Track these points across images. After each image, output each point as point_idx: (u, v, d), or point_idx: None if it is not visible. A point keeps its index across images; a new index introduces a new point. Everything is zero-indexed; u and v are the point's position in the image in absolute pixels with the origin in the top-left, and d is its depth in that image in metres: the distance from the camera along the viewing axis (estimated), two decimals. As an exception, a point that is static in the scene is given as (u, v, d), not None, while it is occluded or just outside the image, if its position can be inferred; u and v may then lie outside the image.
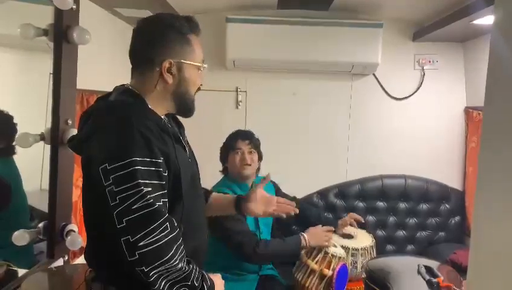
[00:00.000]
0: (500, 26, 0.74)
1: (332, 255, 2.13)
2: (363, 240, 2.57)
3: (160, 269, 1.04)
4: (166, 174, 1.10)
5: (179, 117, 1.36)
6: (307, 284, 2.10)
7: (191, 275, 1.11)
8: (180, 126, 1.36)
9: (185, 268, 1.09)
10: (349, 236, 2.59)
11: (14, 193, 1.60)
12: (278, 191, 2.38)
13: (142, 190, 1.03)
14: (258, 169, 2.32)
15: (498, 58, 0.74)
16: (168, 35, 1.19)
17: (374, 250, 2.55)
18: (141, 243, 1.01)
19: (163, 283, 1.06)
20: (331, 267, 2.10)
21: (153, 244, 1.02)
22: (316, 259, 2.14)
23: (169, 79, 1.19)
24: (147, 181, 1.04)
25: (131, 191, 1.02)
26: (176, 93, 1.22)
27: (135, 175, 1.03)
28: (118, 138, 1.07)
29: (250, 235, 1.99)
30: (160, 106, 1.22)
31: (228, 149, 2.19)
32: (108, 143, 1.07)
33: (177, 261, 1.06)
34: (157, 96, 1.21)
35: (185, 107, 1.26)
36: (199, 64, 1.23)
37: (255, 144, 2.23)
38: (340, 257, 2.15)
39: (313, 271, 2.11)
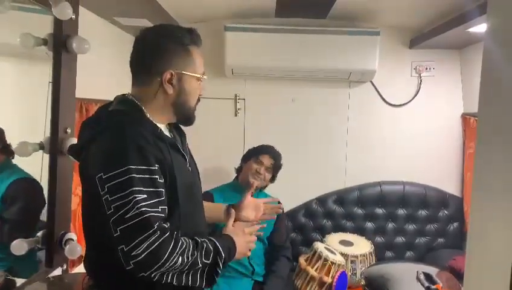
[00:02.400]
0: (493, 34, 0.75)
1: (332, 262, 2.13)
2: (362, 246, 2.57)
3: (160, 270, 1.05)
4: (162, 181, 1.11)
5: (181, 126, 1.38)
6: (306, 292, 2.10)
7: (197, 260, 1.11)
8: (182, 135, 1.37)
9: (186, 260, 1.08)
10: (348, 243, 2.59)
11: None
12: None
13: (135, 197, 1.03)
14: (265, 186, 2.38)
15: (491, 65, 0.75)
16: (170, 46, 1.20)
17: (373, 256, 2.55)
18: (134, 253, 1.01)
19: (169, 277, 1.08)
20: (331, 274, 2.11)
21: (145, 252, 1.02)
22: (316, 266, 2.14)
23: (170, 90, 1.20)
24: (142, 188, 1.05)
25: (125, 200, 1.03)
26: (176, 103, 1.23)
27: (129, 183, 1.04)
28: (113, 147, 1.08)
29: None
30: (159, 115, 1.23)
31: (252, 156, 2.31)
32: (104, 152, 1.09)
33: (175, 259, 1.06)
34: (156, 106, 1.21)
35: (185, 117, 1.27)
36: (199, 76, 1.24)
37: (277, 165, 2.37)
38: (339, 264, 2.15)
39: (312, 278, 2.12)
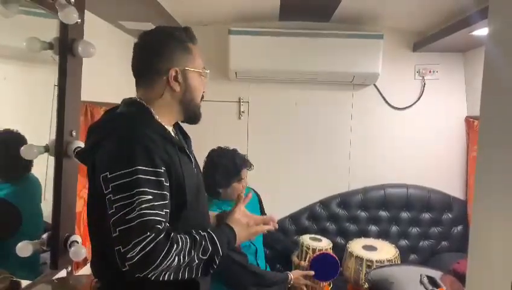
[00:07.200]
0: (494, 38, 0.76)
1: (307, 247, 2.32)
2: (387, 251, 2.55)
3: (156, 270, 1.03)
4: (167, 184, 1.10)
5: (185, 129, 1.38)
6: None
7: (194, 257, 1.09)
8: (186, 138, 1.37)
9: (183, 259, 1.07)
10: (371, 248, 2.58)
11: (25, 216, 1.58)
12: (260, 202, 2.41)
13: (139, 198, 1.02)
14: None
15: (493, 68, 0.75)
16: (170, 44, 1.22)
17: (399, 261, 2.53)
18: (129, 255, 1.01)
19: (166, 275, 1.07)
20: (307, 258, 2.29)
21: (139, 254, 1.00)
22: (296, 253, 2.38)
23: (177, 87, 1.22)
24: (147, 190, 1.04)
25: (129, 201, 1.03)
26: (183, 101, 1.25)
27: (136, 184, 1.03)
28: (120, 148, 1.09)
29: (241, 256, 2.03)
30: (167, 115, 1.24)
31: (233, 178, 2.14)
32: (111, 153, 1.09)
33: (170, 260, 1.04)
34: (164, 106, 1.23)
35: (192, 114, 1.29)
36: (201, 71, 1.27)
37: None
38: (315, 249, 2.29)
39: (293, 264, 2.35)
